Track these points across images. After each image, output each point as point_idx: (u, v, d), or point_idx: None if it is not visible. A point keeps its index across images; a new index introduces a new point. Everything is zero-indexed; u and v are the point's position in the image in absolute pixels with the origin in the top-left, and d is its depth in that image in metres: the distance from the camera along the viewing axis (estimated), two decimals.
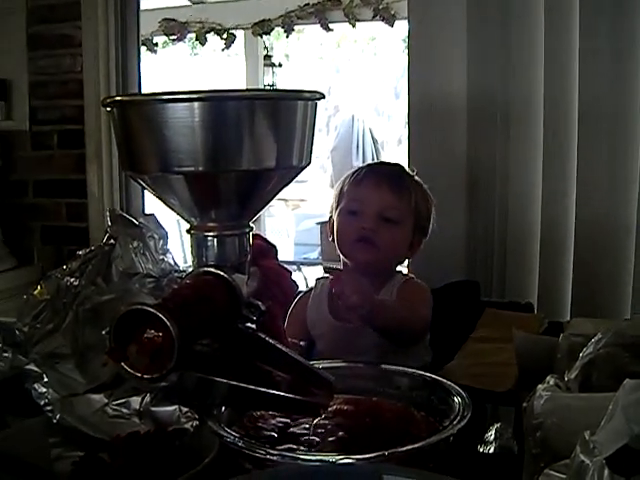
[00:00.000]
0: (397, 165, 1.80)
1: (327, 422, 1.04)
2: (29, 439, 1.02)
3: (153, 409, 1.05)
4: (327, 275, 1.77)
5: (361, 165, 1.80)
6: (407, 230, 1.67)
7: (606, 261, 2.26)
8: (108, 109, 0.99)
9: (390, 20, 4.80)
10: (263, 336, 0.97)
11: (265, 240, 1.25)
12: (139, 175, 0.98)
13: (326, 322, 1.65)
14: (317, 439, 1.01)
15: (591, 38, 2.21)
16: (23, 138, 3.30)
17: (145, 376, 0.85)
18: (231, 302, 0.94)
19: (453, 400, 1.05)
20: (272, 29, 5.26)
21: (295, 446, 0.99)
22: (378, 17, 4.82)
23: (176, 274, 1.16)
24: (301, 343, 1.50)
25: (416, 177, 1.74)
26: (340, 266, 1.73)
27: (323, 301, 1.68)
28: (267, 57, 5.79)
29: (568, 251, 2.31)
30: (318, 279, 1.79)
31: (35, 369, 1.06)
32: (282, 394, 0.95)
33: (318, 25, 5.06)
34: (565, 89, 2.27)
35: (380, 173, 1.70)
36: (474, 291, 1.99)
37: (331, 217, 1.73)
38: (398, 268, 1.77)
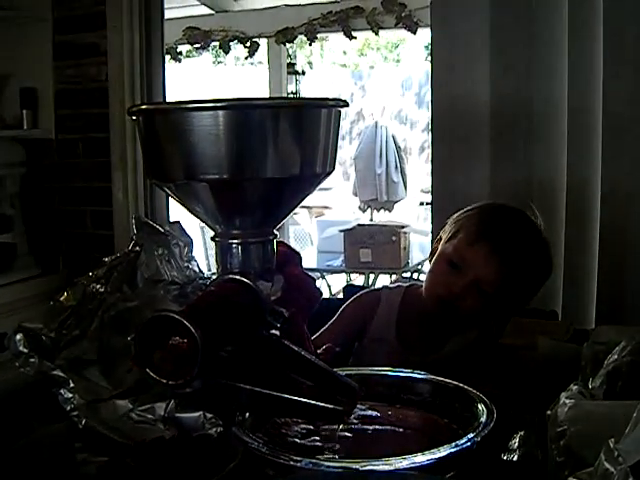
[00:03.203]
0: (522, 227, 1.61)
1: (351, 429, 1.04)
2: (55, 444, 1.03)
3: (178, 415, 1.06)
4: (393, 286, 1.74)
5: (483, 205, 1.67)
6: (498, 304, 1.56)
7: (631, 269, 2.25)
8: (134, 117, 1.00)
9: (413, 27, 4.80)
10: (287, 343, 0.97)
11: (289, 247, 1.25)
12: (164, 183, 0.99)
13: (388, 346, 1.61)
14: (341, 446, 1.01)
15: (615, 43, 2.19)
16: (49, 146, 3.33)
17: (170, 382, 0.85)
18: (255, 309, 0.95)
19: (477, 407, 1.05)
20: (295, 37, 5.28)
21: (319, 453, 0.99)
22: (401, 25, 4.83)
23: (201, 281, 1.17)
24: (337, 349, 1.46)
25: (543, 234, 1.63)
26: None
27: (390, 324, 1.64)
28: (290, 65, 5.82)
29: (593, 259, 2.30)
30: (386, 288, 1.75)
31: (61, 374, 1.07)
32: (306, 401, 0.95)
33: (341, 33, 5.07)
34: (589, 93, 2.26)
35: (497, 242, 1.54)
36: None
37: (440, 238, 1.65)
38: None
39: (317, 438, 1.04)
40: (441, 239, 1.65)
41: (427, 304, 1.60)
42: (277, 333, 0.96)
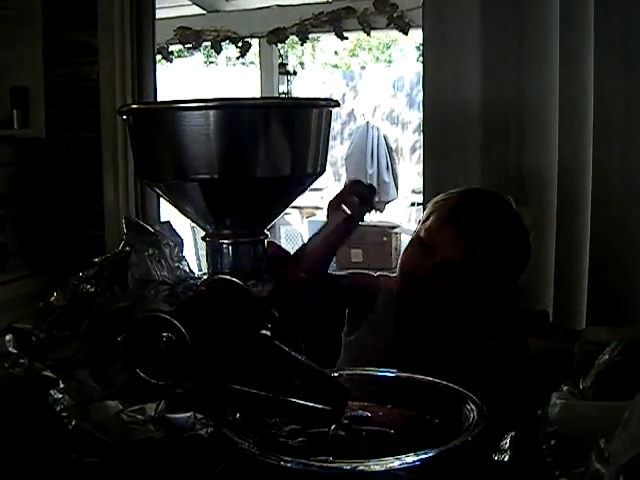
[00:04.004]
0: (494, 211, 1.62)
1: (341, 429, 1.04)
2: (45, 445, 1.03)
3: (168, 415, 1.06)
4: (386, 275, 1.75)
5: (461, 189, 1.67)
6: (469, 285, 1.57)
7: (622, 269, 2.25)
8: (124, 117, 0.99)
9: (404, 28, 4.80)
10: (277, 343, 0.97)
11: (279, 247, 1.25)
12: (155, 183, 0.99)
13: (385, 337, 1.63)
14: (331, 446, 1.01)
15: (605, 44, 2.20)
16: (40, 146, 3.32)
17: (160, 382, 0.85)
18: (246, 309, 0.94)
19: (467, 408, 1.05)
20: (287, 37, 5.27)
21: (309, 453, 0.99)
22: (392, 25, 4.82)
23: (191, 281, 1.17)
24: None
25: (519, 218, 1.62)
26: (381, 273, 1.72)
27: (389, 314, 1.65)
28: (282, 65, 5.81)
29: (584, 259, 2.30)
30: (383, 277, 1.75)
31: (51, 375, 1.07)
32: (296, 401, 0.95)
33: (333, 33, 5.07)
34: (579, 95, 2.26)
35: (465, 225, 1.57)
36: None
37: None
38: None
39: (307, 438, 1.04)
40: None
41: (401, 285, 1.62)
42: (268, 333, 0.96)
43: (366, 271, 1.79)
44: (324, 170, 1.03)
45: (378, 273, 1.76)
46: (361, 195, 1.21)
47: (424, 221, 1.63)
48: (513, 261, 1.62)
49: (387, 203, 7.64)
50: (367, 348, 1.64)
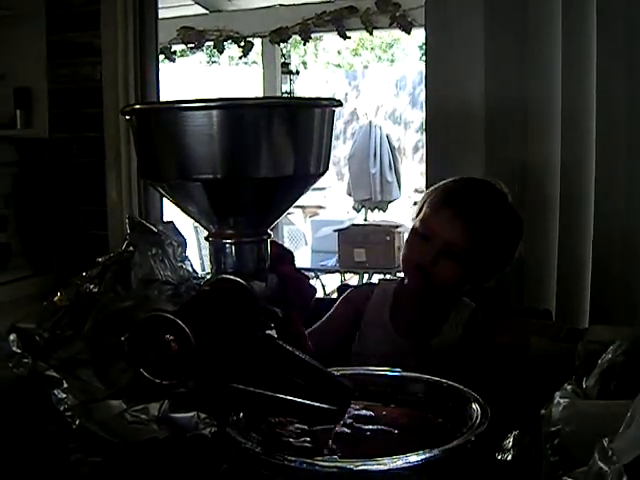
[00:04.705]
0: (485, 193, 1.65)
1: (345, 429, 1.04)
2: (49, 444, 1.03)
3: (172, 415, 1.06)
4: (391, 278, 1.78)
5: (451, 179, 1.69)
6: (472, 266, 1.59)
7: (625, 268, 2.25)
8: (127, 117, 0.99)
9: (407, 27, 4.80)
10: (281, 343, 0.97)
11: (281, 246, 1.25)
12: (158, 183, 0.99)
13: (382, 329, 1.65)
14: (335, 446, 1.01)
15: (608, 40, 2.20)
16: (43, 146, 3.32)
17: (164, 382, 0.85)
18: (249, 309, 0.95)
19: (471, 407, 1.05)
20: (289, 37, 5.27)
21: (313, 453, 0.99)
22: (395, 24, 4.82)
23: (194, 281, 1.17)
24: None
25: (509, 201, 1.65)
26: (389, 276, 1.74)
27: (385, 308, 1.67)
28: (284, 65, 5.81)
29: (586, 258, 2.30)
30: (382, 280, 1.78)
31: (55, 375, 1.07)
32: (300, 401, 0.95)
33: (335, 33, 5.07)
34: (583, 92, 2.26)
35: (460, 205, 1.59)
36: (492, 298, 1.99)
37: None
38: None
39: (311, 438, 1.04)
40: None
41: (410, 279, 1.64)
42: (271, 333, 0.97)
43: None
44: (327, 169, 1.03)
45: (379, 278, 1.78)
46: None
47: (417, 214, 1.65)
48: (509, 237, 1.65)
49: (390, 202, 7.63)
50: (364, 342, 1.65)
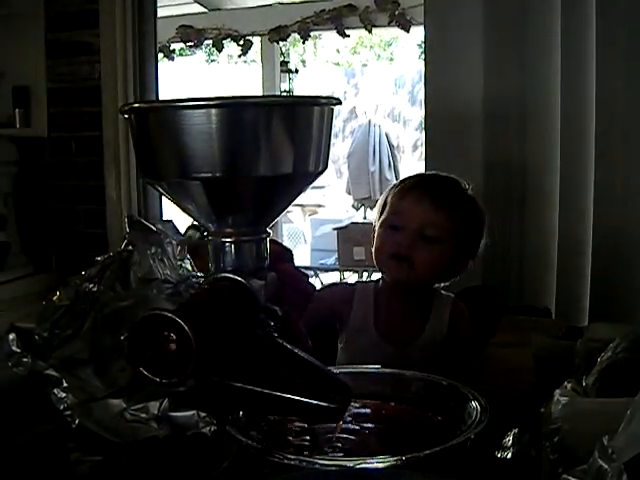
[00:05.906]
0: (447, 178, 1.68)
1: (344, 427, 1.04)
2: (48, 443, 1.03)
3: (171, 414, 1.06)
4: (368, 281, 1.76)
5: (411, 175, 1.74)
6: (449, 249, 1.59)
7: (625, 266, 2.25)
8: (126, 116, 0.99)
9: (406, 26, 4.80)
10: (280, 341, 0.97)
11: (280, 244, 1.25)
12: (157, 181, 0.99)
13: (367, 336, 1.62)
14: (335, 444, 1.01)
15: (607, 38, 2.20)
16: (42, 145, 3.32)
17: (163, 381, 0.85)
18: (249, 307, 0.94)
19: (470, 405, 1.05)
20: (288, 35, 5.27)
21: (313, 451, 0.99)
22: (394, 23, 4.83)
23: (194, 280, 1.17)
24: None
25: (469, 191, 1.66)
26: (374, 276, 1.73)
27: (369, 313, 1.65)
28: (283, 63, 5.81)
29: (586, 256, 2.30)
30: (359, 282, 1.76)
31: (54, 374, 1.07)
32: (299, 399, 0.95)
33: (334, 31, 5.07)
34: (581, 91, 2.26)
35: (425, 187, 1.62)
36: (492, 296, 1.99)
37: (374, 227, 1.67)
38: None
39: (311, 436, 1.04)
40: (374, 227, 1.68)
41: (391, 270, 1.62)
42: (271, 331, 0.96)
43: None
44: (326, 168, 1.03)
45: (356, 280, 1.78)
46: None
47: (381, 212, 1.65)
48: (476, 217, 1.66)
49: None
50: (350, 348, 1.64)
